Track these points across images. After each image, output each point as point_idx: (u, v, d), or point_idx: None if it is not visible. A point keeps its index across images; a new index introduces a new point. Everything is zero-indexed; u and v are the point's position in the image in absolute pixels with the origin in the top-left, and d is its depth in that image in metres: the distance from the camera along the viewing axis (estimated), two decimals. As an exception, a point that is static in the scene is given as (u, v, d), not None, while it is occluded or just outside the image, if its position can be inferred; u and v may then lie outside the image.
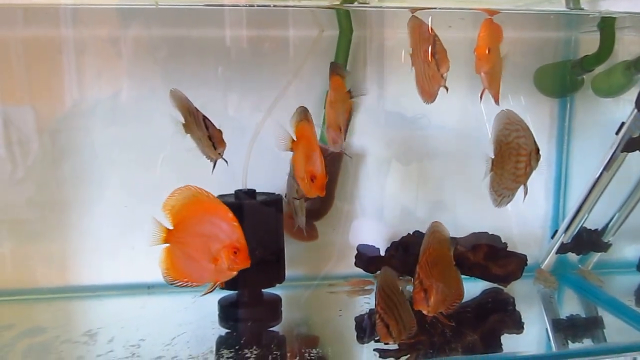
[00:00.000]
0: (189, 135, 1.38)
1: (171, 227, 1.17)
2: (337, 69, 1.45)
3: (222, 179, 1.70)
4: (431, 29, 1.36)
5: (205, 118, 1.31)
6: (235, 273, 1.14)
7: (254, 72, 1.75)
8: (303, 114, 1.32)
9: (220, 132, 1.30)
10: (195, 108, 1.34)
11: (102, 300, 1.73)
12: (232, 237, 1.11)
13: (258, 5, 1.67)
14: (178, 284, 1.16)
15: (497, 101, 1.38)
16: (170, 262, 1.15)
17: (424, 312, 1.29)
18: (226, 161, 1.39)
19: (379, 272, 1.71)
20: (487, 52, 1.28)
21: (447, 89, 1.35)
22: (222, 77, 1.75)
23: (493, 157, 1.42)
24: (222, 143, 1.30)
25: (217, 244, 1.12)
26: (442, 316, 1.34)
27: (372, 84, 1.82)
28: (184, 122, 1.34)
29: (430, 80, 1.35)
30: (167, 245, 1.16)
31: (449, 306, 1.35)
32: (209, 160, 1.37)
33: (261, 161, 1.72)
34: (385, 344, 1.27)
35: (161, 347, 1.38)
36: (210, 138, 1.29)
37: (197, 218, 1.15)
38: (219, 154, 1.31)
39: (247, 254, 1.12)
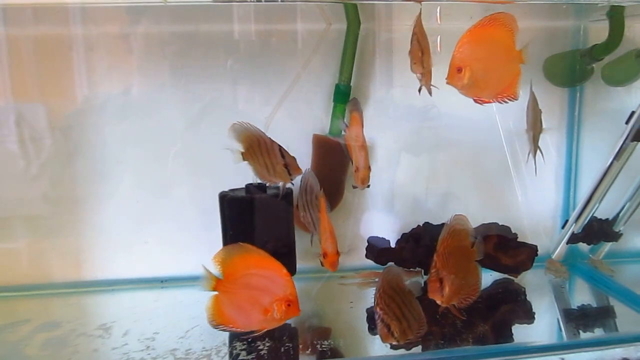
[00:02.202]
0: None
1: (220, 277, 1.25)
2: (356, 105, 1.59)
3: (233, 174, 1.72)
4: (415, 27, 1.36)
5: (280, 147, 1.42)
6: (283, 322, 1.22)
7: (263, 66, 1.76)
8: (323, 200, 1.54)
9: (294, 159, 1.43)
10: (270, 138, 1.43)
11: (116, 294, 1.75)
12: (285, 291, 1.19)
13: (266, 0, 1.68)
14: (222, 328, 1.24)
15: (511, 97, 1.37)
16: (218, 309, 1.22)
17: (438, 302, 1.30)
18: (292, 184, 1.49)
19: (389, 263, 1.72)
20: (457, 71, 1.28)
21: (429, 92, 1.37)
22: (231, 71, 1.75)
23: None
24: (299, 170, 1.43)
25: (269, 297, 1.19)
26: (454, 308, 1.35)
27: (381, 76, 1.82)
28: (243, 151, 1.44)
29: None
30: (215, 293, 1.24)
31: (462, 300, 1.35)
32: (265, 182, 1.50)
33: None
34: (392, 346, 1.29)
35: (175, 340, 1.40)
36: (286, 166, 1.41)
37: (249, 271, 1.22)
38: (291, 180, 1.45)
39: (298, 305, 1.20)
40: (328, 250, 1.49)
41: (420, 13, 1.41)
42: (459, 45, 1.29)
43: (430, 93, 1.37)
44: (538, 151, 1.68)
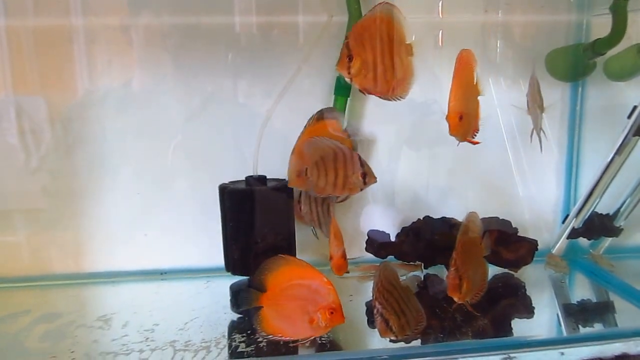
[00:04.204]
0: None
1: (264, 291, 1.26)
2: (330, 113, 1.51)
3: (233, 166, 1.72)
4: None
5: (359, 156, 1.41)
6: (330, 328, 1.24)
7: (264, 58, 1.75)
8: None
9: (370, 168, 1.42)
10: (348, 148, 1.41)
11: (116, 286, 1.76)
12: (328, 299, 1.21)
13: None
14: (272, 338, 1.25)
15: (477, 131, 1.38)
16: (266, 322, 1.24)
17: (455, 299, 1.31)
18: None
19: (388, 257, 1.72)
20: (459, 119, 1.28)
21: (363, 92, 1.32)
22: (232, 63, 1.75)
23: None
24: (374, 178, 1.42)
25: (314, 306, 1.22)
26: (467, 304, 1.36)
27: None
28: (308, 167, 1.43)
29: None
30: (262, 307, 1.26)
31: (474, 296, 1.37)
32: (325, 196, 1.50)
33: (272, 148, 1.72)
34: (392, 340, 1.29)
35: (174, 332, 1.40)
36: (363, 175, 1.40)
37: (292, 283, 1.25)
38: (361, 188, 1.44)
39: (342, 312, 1.22)
40: (334, 254, 1.50)
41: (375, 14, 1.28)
42: (454, 95, 1.29)
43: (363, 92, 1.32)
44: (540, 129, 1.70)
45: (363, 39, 1.24)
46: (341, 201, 1.54)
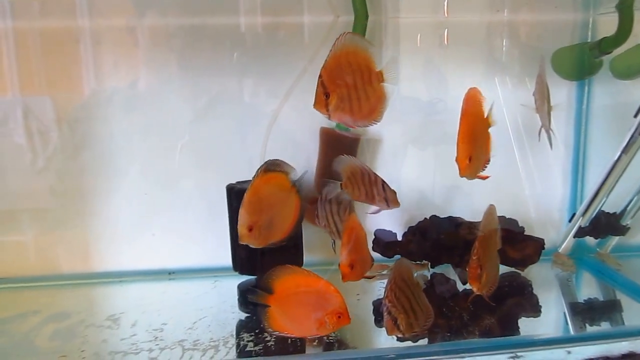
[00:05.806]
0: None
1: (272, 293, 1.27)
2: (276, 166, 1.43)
3: (240, 166, 1.72)
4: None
5: (383, 182, 1.44)
6: (336, 329, 1.26)
7: (270, 58, 1.76)
8: (352, 209, 1.55)
9: (394, 193, 1.45)
10: (374, 173, 1.44)
11: (125, 285, 1.77)
12: (335, 305, 1.23)
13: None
14: (279, 335, 1.27)
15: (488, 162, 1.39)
16: (274, 321, 1.26)
17: (475, 289, 1.33)
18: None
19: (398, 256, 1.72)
20: (468, 161, 1.28)
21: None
22: (237, 63, 1.76)
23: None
24: (397, 203, 1.45)
25: (321, 311, 1.23)
26: (485, 296, 1.38)
27: (387, 69, 1.81)
28: (343, 182, 1.46)
29: None
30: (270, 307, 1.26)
31: (489, 288, 1.38)
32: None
33: (278, 147, 1.73)
34: (399, 339, 1.29)
35: (183, 331, 1.41)
36: (386, 199, 1.45)
37: (299, 289, 1.26)
38: (386, 207, 1.48)
39: (348, 314, 1.24)
40: (340, 261, 1.45)
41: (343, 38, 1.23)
42: (462, 137, 1.29)
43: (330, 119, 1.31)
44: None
45: (335, 75, 1.24)
46: (373, 213, 1.56)
